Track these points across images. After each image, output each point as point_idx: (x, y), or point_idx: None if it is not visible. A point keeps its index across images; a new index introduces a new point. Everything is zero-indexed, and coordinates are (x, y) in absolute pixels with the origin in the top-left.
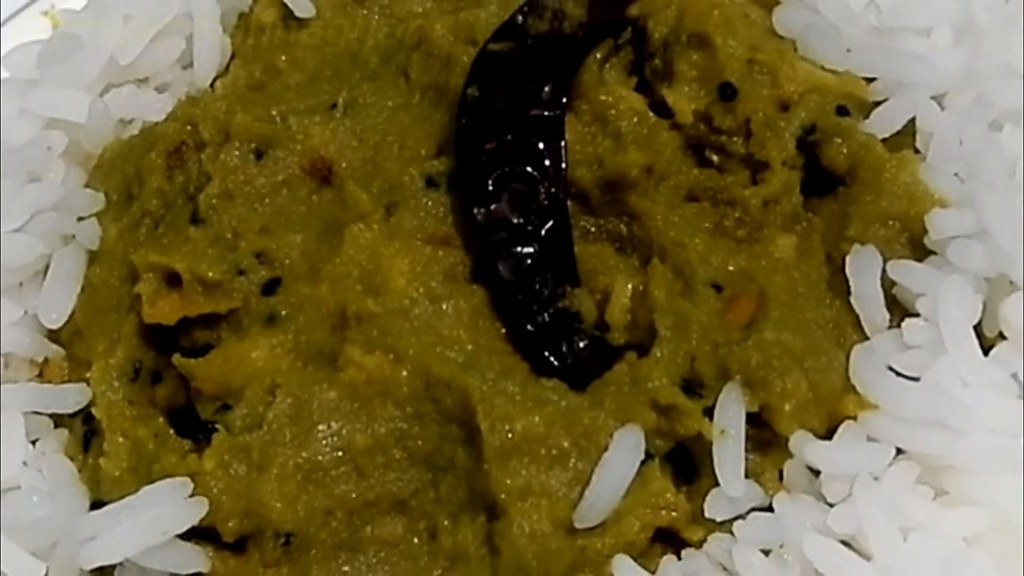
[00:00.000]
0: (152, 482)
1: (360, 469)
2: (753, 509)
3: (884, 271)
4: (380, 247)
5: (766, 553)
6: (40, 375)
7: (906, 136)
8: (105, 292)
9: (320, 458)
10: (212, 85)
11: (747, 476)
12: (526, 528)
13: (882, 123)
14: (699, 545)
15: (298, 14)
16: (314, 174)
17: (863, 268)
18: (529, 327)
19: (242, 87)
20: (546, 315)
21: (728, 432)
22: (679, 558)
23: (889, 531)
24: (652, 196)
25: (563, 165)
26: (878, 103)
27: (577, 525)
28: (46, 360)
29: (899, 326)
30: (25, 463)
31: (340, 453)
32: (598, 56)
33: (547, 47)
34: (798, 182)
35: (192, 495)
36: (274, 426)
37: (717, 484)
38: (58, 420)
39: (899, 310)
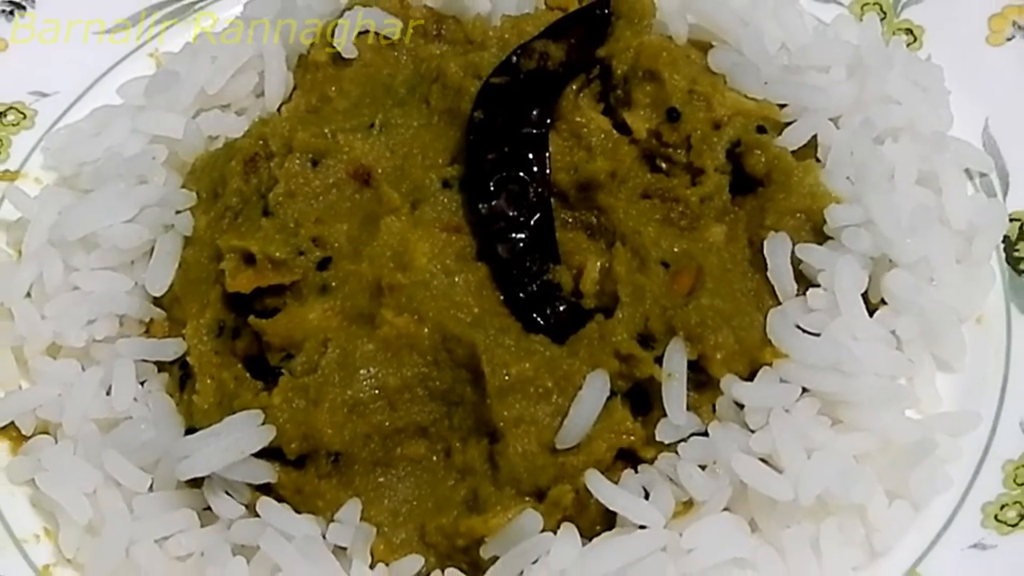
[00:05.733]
0: (233, 413)
1: (392, 403)
2: (693, 434)
3: (793, 252)
4: (407, 234)
5: (703, 468)
6: (147, 332)
7: (810, 149)
8: (197, 268)
9: (361, 395)
10: (279, 110)
11: (688, 409)
12: (519, 449)
13: (791, 139)
14: (651, 462)
15: (344, 56)
16: (357, 178)
17: (777, 250)
18: (521, 295)
19: (302, 111)
20: (534, 286)
21: (674, 375)
22: (636, 472)
23: (797, 451)
24: (615, 195)
25: (547, 171)
26: (788, 123)
27: (558, 447)
28: (151, 320)
29: (805, 294)
30: (135, 399)
31: (377, 391)
32: (574, 87)
33: (535, 80)
34: (727, 184)
35: (263, 424)
36: (326, 371)
37: (665, 415)
38: (161, 366)
39: (804, 282)
